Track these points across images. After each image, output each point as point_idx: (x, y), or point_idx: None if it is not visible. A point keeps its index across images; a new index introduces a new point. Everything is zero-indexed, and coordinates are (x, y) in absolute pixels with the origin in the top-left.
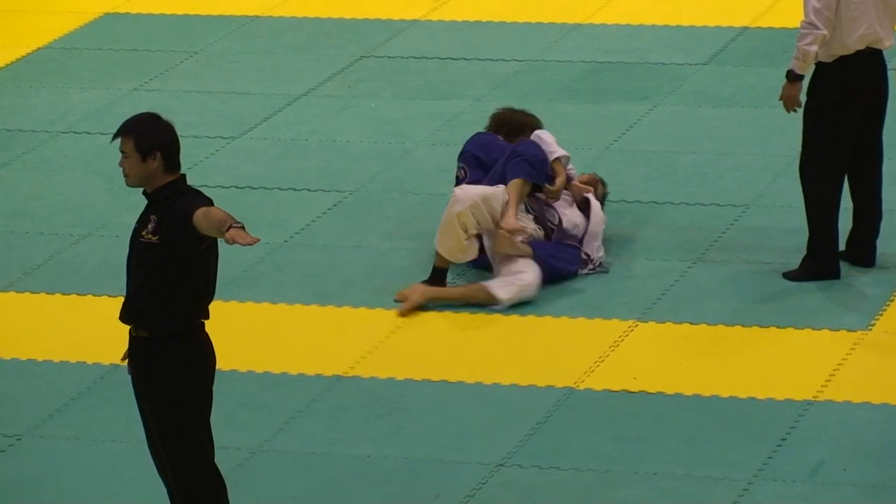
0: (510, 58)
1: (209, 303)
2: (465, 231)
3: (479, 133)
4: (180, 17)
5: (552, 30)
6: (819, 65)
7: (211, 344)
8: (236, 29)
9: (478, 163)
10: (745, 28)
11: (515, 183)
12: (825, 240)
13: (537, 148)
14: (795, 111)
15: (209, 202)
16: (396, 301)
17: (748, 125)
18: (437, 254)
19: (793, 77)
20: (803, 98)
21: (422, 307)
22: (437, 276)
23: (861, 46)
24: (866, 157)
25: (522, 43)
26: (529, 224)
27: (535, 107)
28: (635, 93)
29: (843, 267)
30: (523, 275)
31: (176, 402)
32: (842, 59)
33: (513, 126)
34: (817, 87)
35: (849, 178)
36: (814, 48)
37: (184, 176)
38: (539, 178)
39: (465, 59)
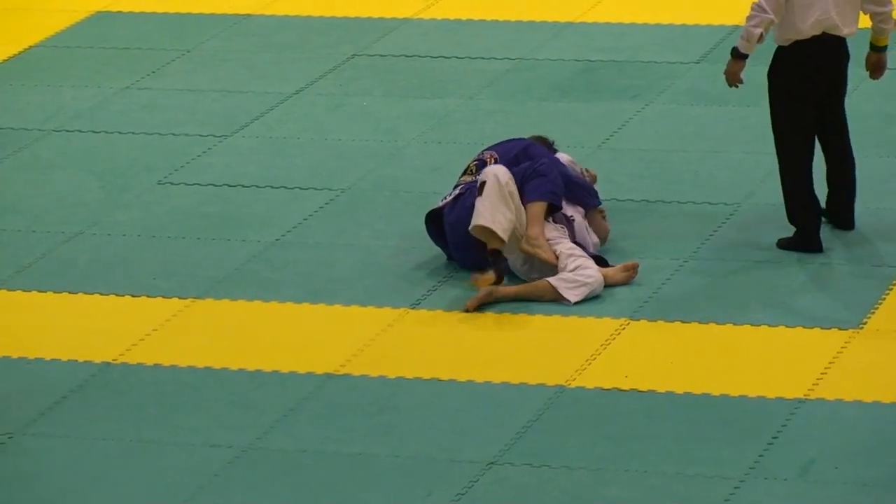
0: (502, 56)
1: None
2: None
3: (532, 143)
4: (172, 15)
5: (544, 28)
6: (778, 48)
7: None
8: (228, 27)
9: (514, 164)
10: (737, 26)
11: (541, 205)
12: (802, 211)
13: (557, 169)
14: (737, 87)
15: None
16: (474, 283)
17: (740, 123)
18: (492, 234)
19: (736, 55)
20: (744, 76)
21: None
22: (498, 259)
23: (817, 32)
24: (831, 135)
25: (514, 41)
26: (558, 234)
27: (526, 105)
28: (627, 91)
29: (835, 266)
30: (587, 270)
31: None
32: (798, 44)
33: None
34: (775, 70)
35: (823, 153)
36: (759, 30)
37: None
38: (559, 201)
39: (456, 57)
